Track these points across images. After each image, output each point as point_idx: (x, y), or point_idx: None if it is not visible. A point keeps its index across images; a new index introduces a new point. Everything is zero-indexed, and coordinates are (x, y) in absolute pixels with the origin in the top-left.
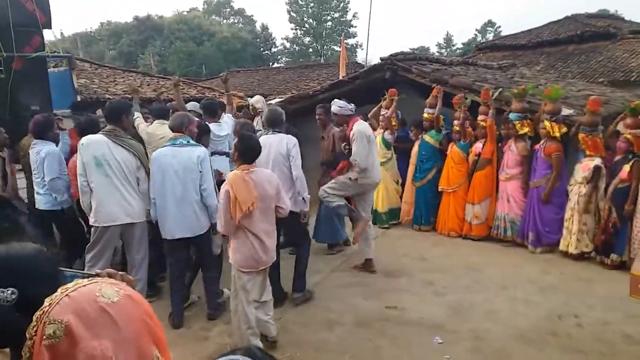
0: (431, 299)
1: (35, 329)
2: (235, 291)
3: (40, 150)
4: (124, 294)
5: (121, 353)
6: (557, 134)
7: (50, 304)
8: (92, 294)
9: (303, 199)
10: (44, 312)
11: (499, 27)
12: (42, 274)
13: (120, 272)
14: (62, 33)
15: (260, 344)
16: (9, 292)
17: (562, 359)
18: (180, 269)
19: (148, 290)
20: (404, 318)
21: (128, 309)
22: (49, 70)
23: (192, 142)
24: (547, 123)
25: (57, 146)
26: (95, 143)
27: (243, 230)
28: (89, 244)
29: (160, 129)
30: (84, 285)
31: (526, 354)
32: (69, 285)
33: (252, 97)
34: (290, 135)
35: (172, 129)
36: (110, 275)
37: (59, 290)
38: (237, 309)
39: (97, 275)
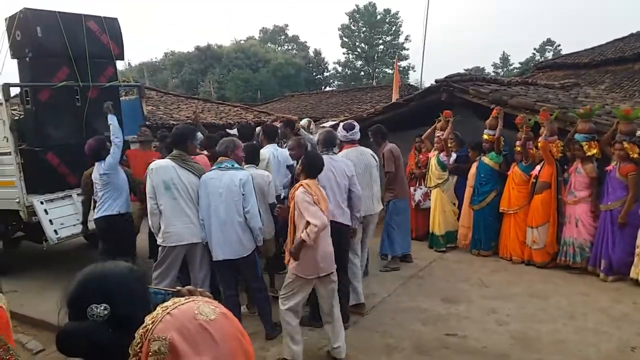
0: (494, 328)
1: (139, 345)
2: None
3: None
4: (220, 312)
5: None
6: (636, 155)
7: (153, 321)
8: (191, 311)
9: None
10: (147, 329)
11: (559, 45)
12: (132, 291)
13: (199, 289)
14: (129, 63)
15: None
16: (102, 307)
17: None
18: (231, 288)
19: None
20: (465, 346)
21: (224, 327)
22: (120, 98)
23: (236, 165)
24: (625, 144)
25: None
26: (163, 168)
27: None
28: (156, 263)
29: None
30: (183, 304)
31: None
32: (168, 303)
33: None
34: (346, 160)
35: (218, 154)
36: (190, 292)
37: (159, 308)
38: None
39: (179, 292)
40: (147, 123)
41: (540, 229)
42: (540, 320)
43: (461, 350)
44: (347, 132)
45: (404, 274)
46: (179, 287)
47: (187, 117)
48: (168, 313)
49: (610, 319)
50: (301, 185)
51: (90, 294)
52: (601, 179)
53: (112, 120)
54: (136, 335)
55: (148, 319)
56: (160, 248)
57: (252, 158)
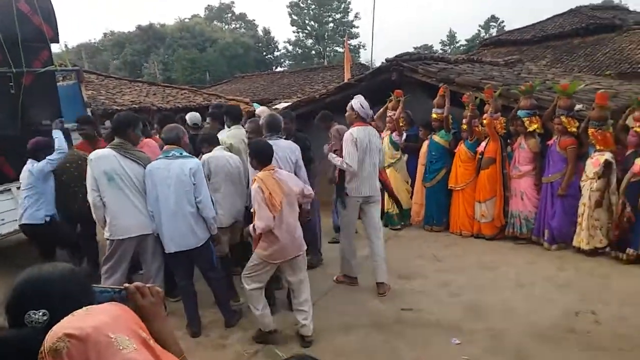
0: (447, 300)
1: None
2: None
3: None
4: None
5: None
6: (574, 129)
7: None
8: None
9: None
10: (42, 349)
11: (503, 22)
12: (74, 294)
13: (147, 285)
14: (66, 45)
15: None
16: (41, 313)
17: (581, 356)
18: (186, 278)
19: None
20: (421, 320)
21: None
22: (58, 84)
23: (185, 153)
24: (563, 118)
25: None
26: (104, 158)
27: (276, 225)
28: (104, 257)
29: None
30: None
31: (544, 352)
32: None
33: (257, 102)
34: (293, 143)
35: (167, 141)
36: (137, 288)
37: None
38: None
39: (126, 289)
40: (89, 109)
41: (487, 203)
42: (490, 290)
43: (416, 324)
44: (363, 107)
45: (362, 254)
46: (126, 284)
47: (131, 101)
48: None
49: (555, 286)
50: (255, 180)
51: (28, 299)
52: (544, 153)
53: (57, 134)
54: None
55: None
56: (108, 242)
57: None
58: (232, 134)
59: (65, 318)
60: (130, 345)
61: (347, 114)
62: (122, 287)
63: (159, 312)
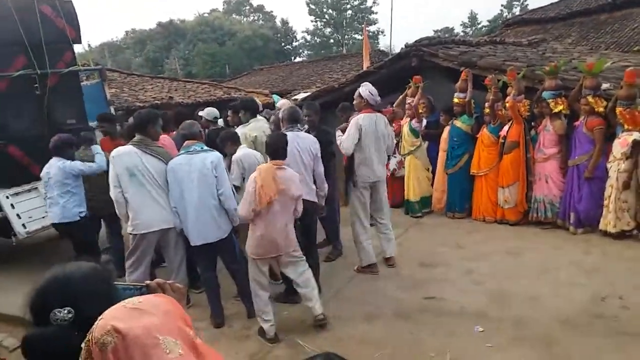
0: (471, 288)
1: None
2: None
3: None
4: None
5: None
6: (601, 109)
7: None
8: (118, 306)
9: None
10: (88, 339)
11: (526, 0)
12: (97, 292)
13: (169, 282)
14: (89, 44)
15: (273, 329)
16: (65, 311)
17: (609, 342)
18: (210, 270)
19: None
20: (444, 308)
21: (152, 299)
22: (81, 83)
23: (205, 147)
24: (590, 99)
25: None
26: (125, 154)
27: (262, 219)
28: (128, 252)
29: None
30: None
31: (571, 339)
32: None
33: (276, 93)
34: (312, 136)
35: (187, 137)
36: (159, 285)
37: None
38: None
39: (148, 286)
40: (112, 107)
41: (511, 188)
42: (515, 276)
43: (440, 313)
44: (372, 94)
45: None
46: (147, 281)
47: (153, 97)
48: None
49: (581, 271)
50: (257, 169)
51: (53, 298)
52: (569, 135)
53: (97, 149)
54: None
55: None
56: (131, 237)
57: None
58: (253, 127)
59: (116, 306)
60: (176, 348)
61: (355, 101)
62: (143, 284)
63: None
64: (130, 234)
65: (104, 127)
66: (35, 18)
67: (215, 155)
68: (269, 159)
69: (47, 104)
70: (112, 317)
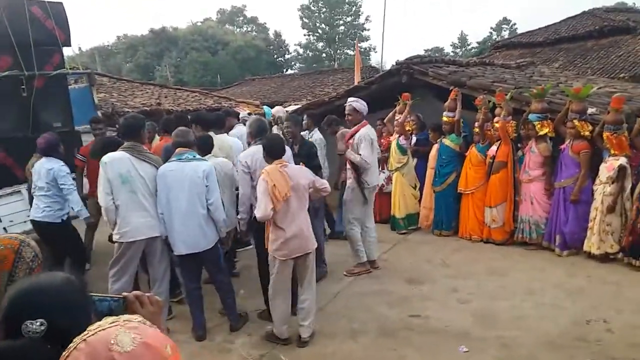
0: (456, 306)
1: None
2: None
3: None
4: (140, 342)
5: None
6: (587, 133)
7: (69, 348)
8: (107, 340)
9: None
10: (64, 357)
11: (515, 24)
12: (71, 303)
13: (147, 294)
14: (80, 48)
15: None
16: (38, 323)
17: None
18: (193, 281)
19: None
20: (429, 326)
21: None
22: (69, 87)
23: (197, 156)
24: (576, 122)
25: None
26: (118, 160)
27: (285, 218)
28: (112, 260)
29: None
30: (103, 329)
31: None
32: (92, 327)
33: (266, 104)
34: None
35: (179, 144)
36: (137, 297)
37: (90, 328)
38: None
39: (125, 298)
40: (100, 112)
41: (498, 207)
42: (500, 297)
43: (424, 331)
44: (364, 107)
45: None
46: (125, 293)
47: (142, 103)
48: (84, 340)
49: (566, 293)
50: (262, 172)
51: (25, 309)
52: (555, 157)
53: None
54: None
55: (72, 343)
56: (116, 245)
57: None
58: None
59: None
60: None
61: (351, 116)
62: (120, 296)
63: (158, 322)
64: (116, 241)
65: (101, 128)
66: (24, 19)
67: (208, 164)
68: (268, 159)
69: (32, 106)
70: (87, 356)
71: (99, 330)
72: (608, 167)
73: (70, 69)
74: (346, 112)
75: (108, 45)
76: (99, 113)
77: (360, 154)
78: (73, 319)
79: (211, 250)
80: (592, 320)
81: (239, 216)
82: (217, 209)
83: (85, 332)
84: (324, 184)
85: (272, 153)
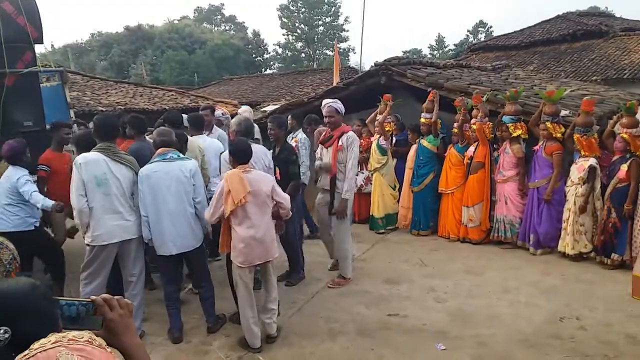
0: (433, 306)
1: None
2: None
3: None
4: None
5: None
6: (559, 135)
7: None
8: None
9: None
10: None
11: (491, 27)
12: (36, 310)
13: (116, 297)
14: (52, 45)
15: (259, 336)
16: (2, 331)
17: None
18: (173, 283)
19: None
20: (406, 325)
21: None
22: (41, 85)
23: (182, 155)
24: (549, 124)
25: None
26: (94, 162)
27: (243, 223)
28: (83, 263)
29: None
30: (45, 350)
31: (530, 358)
32: (37, 344)
33: (246, 104)
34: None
35: (162, 144)
36: (105, 300)
37: (33, 345)
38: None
39: (93, 301)
40: (72, 111)
41: (476, 207)
42: (476, 295)
43: (402, 330)
44: (343, 107)
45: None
46: (93, 297)
47: (117, 102)
48: (32, 356)
49: (540, 291)
50: (224, 176)
51: None
52: (528, 158)
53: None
54: None
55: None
56: (88, 248)
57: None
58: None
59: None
60: None
61: (333, 118)
62: (89, 300)
63: (129, 324)
64: (89, 245)
65: (69, 133)
66: None
67: (193, 163)
68: (233, 163)
69: (3, 105)
70: None
71: (41, 351)
72: (579, 168)
73: (42, 66)
74: (327, 113)
75: (81, 43)
76: (72, 112)
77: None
78: (39, 326)
79: (199, 249)
80: (565, 317)
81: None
82: (204, 207)
83: (25, 353)
84: (283, 200)
85: (239, 157)
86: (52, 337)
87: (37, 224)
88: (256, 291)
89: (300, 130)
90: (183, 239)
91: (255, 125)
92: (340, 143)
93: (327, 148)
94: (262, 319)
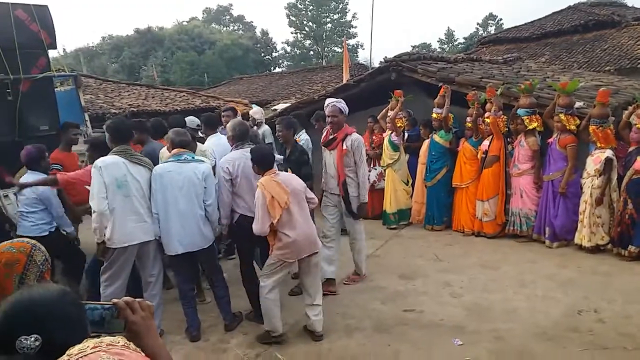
0: (449, 300)
1: None
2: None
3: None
4: None
5: None
6: (573, 127)
7: None
8: None
9: None
10: None
11: (501, 19)
12: (66, 317)
13: (138, 300)
14: (64, 49)
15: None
16: (33, 339)
17: (585, 355)
18: (187, 282)
19: None
20: (423, 321)
21: None
22: (55, 89)
23: (196, 157)
24: (562, 116)
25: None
26: (114, 164)
27: (290, 224)
28: (104, 266)
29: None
30: (86, 355)
31: (548, 352)
32: (75, 349)
33: (256, 103)
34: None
35: (178, 144)
36: (127, 303)
37: (66, 354)
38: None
39: (115, 304)
40: (87, 113)
41: (491, 201)
42: (492, 290)
43: (419, 325)
44: (346, 107)
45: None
46: (114, 300)
47: (129, 104)
48: None
49: (557, 284)
50: (258, 186)
51: (18, 324)
52: (543, 151)
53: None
54: None
55: None
56: (109, 250)
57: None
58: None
59: None
60: None
61: (336, 118)
62: (111, 303)
63: (151, 326)
64: (109, 247)
65: (78, 133)
66: (9, 22)
67: (207, 166)
68: (259, 170)
69: (19, 110)
70: None
71: (82, 356)
72: (595, 160)
73: (56, 71)
74: (330, 113)
75: (93, 46)
76: (86, 115)
77: (356, 162)
78: (69, 333)
79: (208, 250)
80: (583, 310)
81: (220, 222)
82: (215, 210)
83: (66, 358)
84: (313, 196)
85: (263, 164)
86: (90, 343)
87: (53, 229)
88: (293, 296)
89: (304, 130)
90: (190, 239)
91: (266, 126)
92: (345, 147)
93: (330, 151)
94: (309, 316)
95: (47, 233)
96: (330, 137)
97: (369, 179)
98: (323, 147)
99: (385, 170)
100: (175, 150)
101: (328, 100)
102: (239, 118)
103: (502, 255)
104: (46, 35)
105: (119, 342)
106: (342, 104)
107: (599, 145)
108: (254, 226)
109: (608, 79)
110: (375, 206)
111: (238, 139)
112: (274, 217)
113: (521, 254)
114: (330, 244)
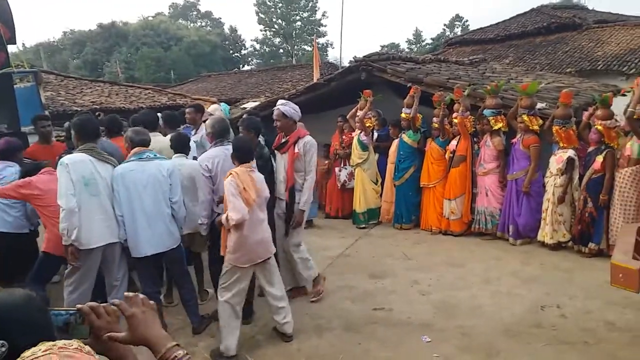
0: (417, 299)
1: None
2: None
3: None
4: None
5: None
6: (536, 127)
7: None
8: None
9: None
10: None
11: (467, 21)
12: (32, 323)
13: (102, 304)
14: (24, 44)
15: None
16: None
17: (548, 350)
18: (152, 285)
19: None
20: (392, 319)
21: None
22: (14, 86)
23: (158, 155)
24: (525, 117)
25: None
26: (81, 162)
27: (248, 223)
28: (68, 269)
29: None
30: (36, 357)
31: (513, 347)
32: (28, 352)
33: (225, 101)
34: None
35: (140, 143)
36: (92, 308)
37: (24, 354)
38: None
39: (80, 310)
40: (47, 112)
41: (458, 200)
42: (459, 287)
43: (388, 324)
44: (296, 110)
45: (332, 254)
46: (79, 305)
47: (92, 102)
48: None
49: (521, 281)
50: (230, 174)
51: None
52: (508, 151)
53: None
54: None
55: None
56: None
57: (182, 148)
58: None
59: None
60: None
61: (279, 122)
62: (76, 309)
63: (116, 330)
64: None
65: (48, 125)
66: None
67: (170, 163)
68: (236, 161)
69: None
70: None
71: (33, 359)
72: (557, 160)
73: (15, 67)
74: (274, 117)
75: (54, 41)
76: (47, 113)
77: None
78: (34, 338)
79: (176, 250)
80: (546, 306)
81: (200, 221)
82: (181, 207)
83: (22, 357)
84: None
85: (242, 156)
86: (43, 346)
87: (33, 228)
88: (261, 297)
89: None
90: (159, 239)
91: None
92: (296, 150)
93: (282, 154)
94: (276, 320)
95: (27, 230)
96: (283, 140)
97: (339, 178)
98: (275, 151)
99: (354, 170)
100: (136, 149)
101: (277, 103)
102: (219, 114)
103: (469, 253)
104: (5, 30)
105: (72, 345)
106: (286, 107)
107: (561, 145)
108: (232, 215)
109: (569, 81)
110: (346, 205)
111: (218, 135)
112: (246, 207)
113: (486, 252)
114: (296, 249)
